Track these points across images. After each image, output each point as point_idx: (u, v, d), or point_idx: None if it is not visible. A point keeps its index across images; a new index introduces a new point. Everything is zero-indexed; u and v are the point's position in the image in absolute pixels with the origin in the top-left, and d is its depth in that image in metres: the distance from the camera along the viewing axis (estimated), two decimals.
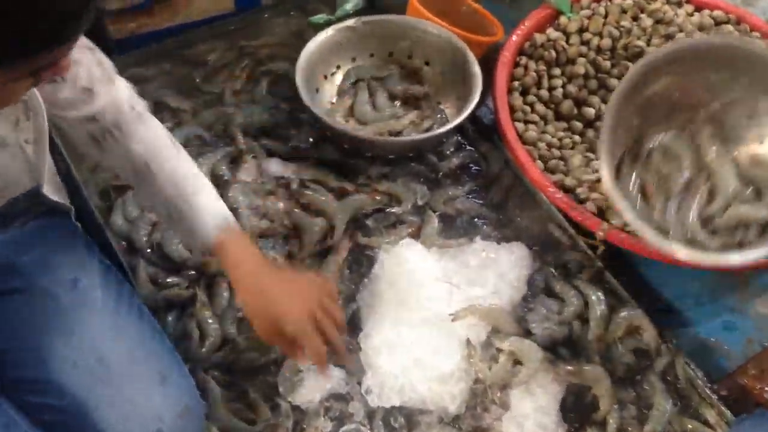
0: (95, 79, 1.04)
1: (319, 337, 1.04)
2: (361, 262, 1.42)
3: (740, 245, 1.25)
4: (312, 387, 1.23)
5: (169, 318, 1.32)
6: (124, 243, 1.42)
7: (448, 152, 1.61)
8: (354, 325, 1.33)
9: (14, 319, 1.07)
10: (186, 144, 1.55)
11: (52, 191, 1.14)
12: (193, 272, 1.37)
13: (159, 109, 1.62)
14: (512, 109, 1.61)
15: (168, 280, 1.35)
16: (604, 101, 1.62)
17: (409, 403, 1.23)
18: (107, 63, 1.07)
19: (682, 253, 1.22)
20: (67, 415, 1.03)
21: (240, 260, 1.08)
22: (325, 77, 1.68)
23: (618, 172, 1.32)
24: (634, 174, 1.32)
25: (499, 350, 1.28)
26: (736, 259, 1.22)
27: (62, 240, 1.16)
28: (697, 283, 1.49)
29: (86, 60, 1.03)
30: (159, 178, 1.10)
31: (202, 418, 1.14)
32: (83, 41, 1.00)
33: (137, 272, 1.36)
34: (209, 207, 1.10)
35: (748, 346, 1.42)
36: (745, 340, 1.42)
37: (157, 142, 1.11)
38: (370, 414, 1.23)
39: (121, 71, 1.65)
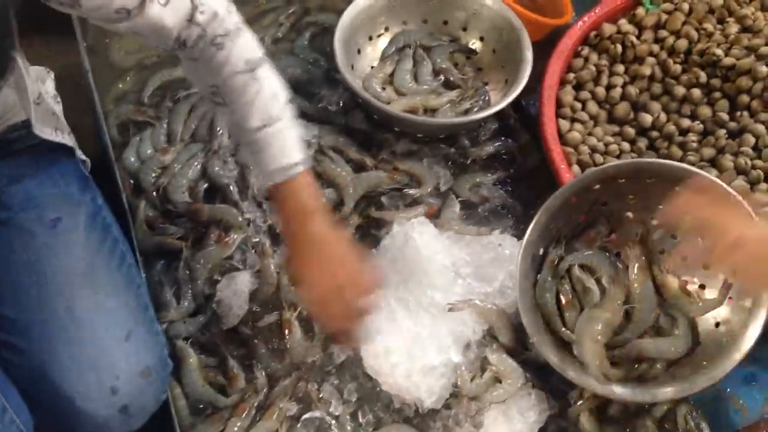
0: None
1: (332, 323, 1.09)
2: (367, 242, 1.36)
3: (640, 378, 1.18)
4: None
5: (158, 266, 1.30)
6: (132, 181, 1.39)
7: (483, 138, 1.50)
8: None
9: None
10: None
11: (50, 131, 1.12)
12: (187, 222, 1.34)
13: None
14: (560, 104, 1.48)
15: (163, 227, 1.32)
16: (666, 109, 1.47)
17: (384, 386, 1.18)
18: None
19: (573, 377, 1.15)
20: (25, 357, 1.03)
21: (284, 218, 1.07)
22: (371, 38, 1.59)
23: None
24: (549, 281, 1.24)
25: (486, 361, 1.21)
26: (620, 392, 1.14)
27: (54, 177, 1.13)
28: None
29: None
30: (228, 105, 1.04)
31: (166, 380, 1.11)
32: None
33: (137, 213, 1.33)
34: (270, 150, 1.03)
35: (767, 405, 1.29)
36: (764, 398, 1.30)
37: (230, 69, 1.01)
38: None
39: None
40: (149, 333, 1.11)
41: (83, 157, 1.24)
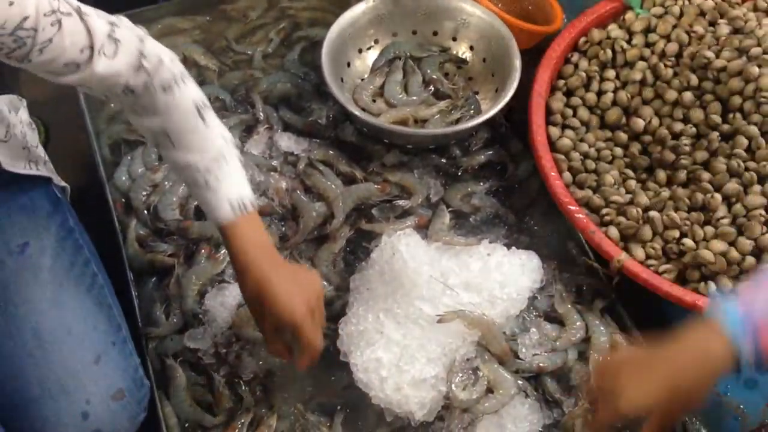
0: (75, 52, 0.91)
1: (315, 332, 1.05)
2: (358, 255, 1.35)
3: None
4: None
5: (150, 283, 1.30)
6: (123, 200, 1.39)
7: (474, 148, 1.49)
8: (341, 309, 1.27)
9: None
10: None
11: (22, 165, 1.13)
12: (178, 239, 1.34)
13: (186, 65, 1.56)
14: (550, 112, 1.47)
15: (154, 245, 1.32)
16: (658, 113, 1.46)
17: (374, 400, 1.17)
18: (99, 29, 0.91)
19: None
20: None
21: (244, 249, 1.05)
22: (360, 51, 1.59)
23: None
24: None
25: (478, 370, 1.19)
26: None
27: (22, 203, 1.14)
28: None
29: (69, 28, 0.88)
30: (178, 148, 1.04)
31: (142, 401, 1.10)
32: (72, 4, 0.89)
33: (127, 232, 1.34)
34: (223, 186, 1.04)
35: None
36: (765, 404, 1.28)
37: (180, 111, 1.02)
38: None
39: (156, 21, 1.65)
40: (121, 354, 1.10)
41: (62, 183, 1.25)
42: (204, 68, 1.58)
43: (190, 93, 1.03)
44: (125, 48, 0.95)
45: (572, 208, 1.32)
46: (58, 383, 1.01)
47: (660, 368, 0.88)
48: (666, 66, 1.48)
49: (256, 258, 1.04)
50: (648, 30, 1.55)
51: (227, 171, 1.05)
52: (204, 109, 1.05)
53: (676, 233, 1.29)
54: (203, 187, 1.04)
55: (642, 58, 1.51)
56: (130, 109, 1.04)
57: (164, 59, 1.00)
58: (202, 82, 1.56)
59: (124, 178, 1.41)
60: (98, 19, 0.92)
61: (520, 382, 1.19)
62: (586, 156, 1.43)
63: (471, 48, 1.60)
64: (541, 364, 1.21)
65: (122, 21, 0.97)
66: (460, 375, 1.18)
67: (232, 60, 1.62)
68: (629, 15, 1.57)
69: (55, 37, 0.86)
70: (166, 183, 1.39)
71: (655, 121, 1.45)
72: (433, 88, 1.55)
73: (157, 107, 1.01)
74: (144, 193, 1.38)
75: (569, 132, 1.46)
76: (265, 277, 1.02)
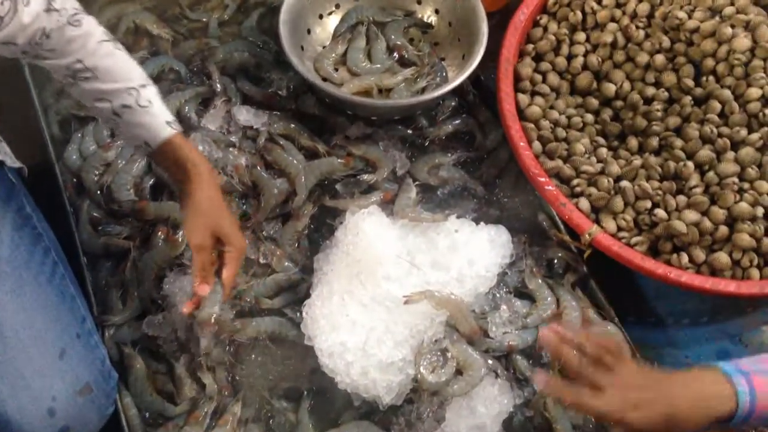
0: None
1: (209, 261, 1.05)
2: (323, 233, 1.31)
3: None
4: None
5: (104, 268, 1.25)
6: (75, 180, 1.33)
7: (441, 118, 1.44)
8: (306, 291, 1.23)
9: None
10: (159, 77, 1.45)
11: None
12: (134, 221, 1.28)
13: (137, 35, 1.51)
14: (519, 78, 1.42)
15: (108, 227, 1.26)
16: (629, 77, 1.41)
17: (341, 385, 1.14)
18: None
19: None
20: None
21: (194, 163, 1.07)
22: (321, 17, 1.52)
23: None
24: None
25: (447, 351, 1.16)
26: None
27: None
28: (697, 300, 1.33)
29: None
30: (101, 78, 1.02)
31: (110, 393, 1.07)
32: None
33: (80, 214, 1.28)
34: (157, 104, 1.06)
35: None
36: None
37: (94, 40, 1.01)
38: None
39: None
40: (86, 347, 1.06)
41: (17, 164, 1.18)
42: (156, 38, 1.50)
43: (95, 22, 1.03)
44: None
45: (542, 179, 1.28)
46: (22, 380, 0.97)
47: (663, 398, 0.88)
48: (637, 27, 1.43)
49: (199, 171, 1.06)
50: None
51: (153, 94, 1.06)
52: (113, 38, 1.05)
53: (648, 203, 1.26)
54: (136, 109, 1.03)
55: (613, 20, 1.46)
56: (44, 55, 1.00)
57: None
58: (155, 53, 1.48)
59: (74, 157, 1.34)
60: None
61: (490, 362, 1.16)
62: (556, 124, 1.39)
63: (436, 11, 1.54)
64: (511, 343, 1.18)
65: None
66: (429, 357, 1.15)
67: (186, 28, 1.54)
68: None
69: None
70: (120, 161, 1.32)
71: (627, 86, 1.40)
72: (397, 55, 1.49)
73: (69, 42, 0.99)
74: (96, 172, 1.32)
75: (539, 99, 1.41)
76: (207, 194, 1.06)
